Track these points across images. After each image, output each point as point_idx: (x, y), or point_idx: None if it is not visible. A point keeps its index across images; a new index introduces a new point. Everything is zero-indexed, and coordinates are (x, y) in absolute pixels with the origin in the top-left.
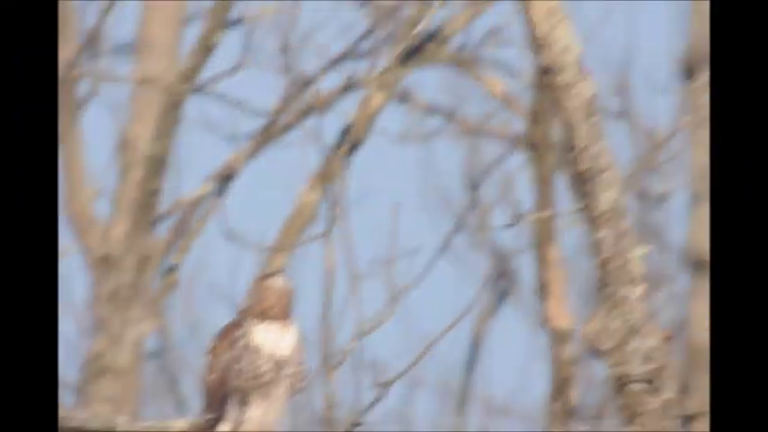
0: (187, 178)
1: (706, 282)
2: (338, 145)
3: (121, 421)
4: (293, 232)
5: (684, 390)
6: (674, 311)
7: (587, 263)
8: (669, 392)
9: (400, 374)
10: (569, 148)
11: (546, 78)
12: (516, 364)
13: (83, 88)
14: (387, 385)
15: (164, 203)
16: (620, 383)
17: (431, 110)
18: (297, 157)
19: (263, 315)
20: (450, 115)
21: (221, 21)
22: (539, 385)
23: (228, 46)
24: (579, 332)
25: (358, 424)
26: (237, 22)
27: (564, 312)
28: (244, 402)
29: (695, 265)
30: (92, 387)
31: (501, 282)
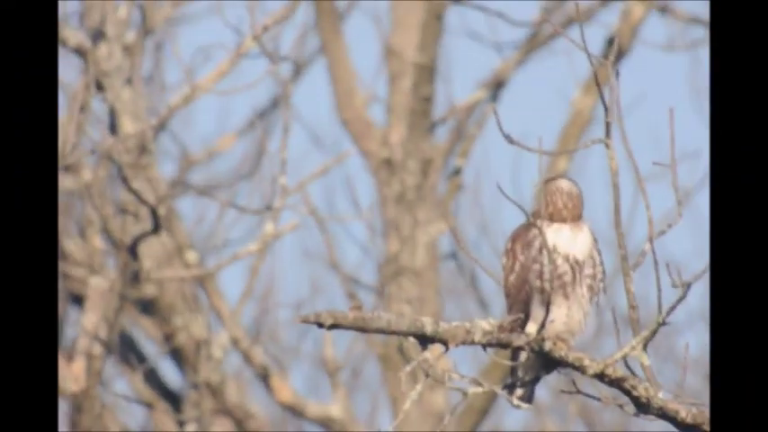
0: (458, 85)
1: None
2: (605, 54)
3: (427, 322)
4: (571, 137)
5: None
6: None
7: None
8: None
9: (701, 273)
10: None
11: None
12: None
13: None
14: (688, 284)
15: (438, 109)
16: None
17: (692, 20)
18: (564, 65)
19: (553, 217)
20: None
21: None
22: None
23: None
24: None
25: (663, 323)
26: None
27: None
28: (546, 303)
29: None
30: (391, 288)
31: None
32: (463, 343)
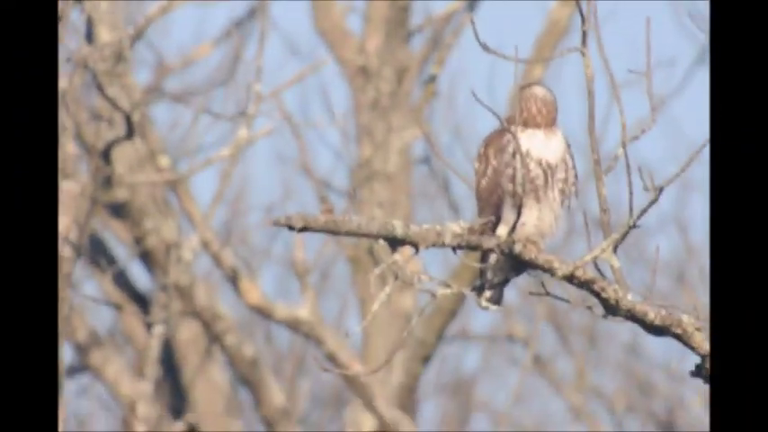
0: None
1: None
2: None
3: (398, 224)
4: (547, 46)
5: None
6: None
7: None
8: None
9: (673, 177)
10: None
11: None
12: None
13: None
14: (660, 188)
15: (414, 19)
16: None
17: None
18: None
19: (528, 123)
20: None
21: None
22: None
23: None
24: None
25: (634, 226)
26: None
27: None
28: (518, 206)
29: None
30: (363, 192)
31: None
32: (433, 245)
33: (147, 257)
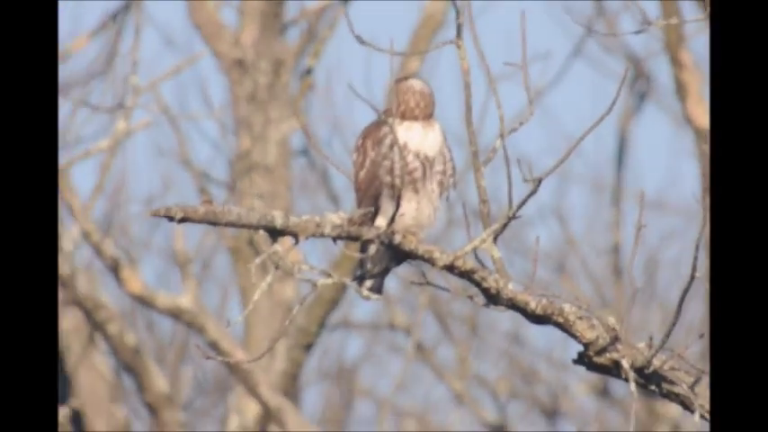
0: None
1: None
2: None
3: (278, 215)
4: (423, 39)
5: None
6: None
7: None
8: None
9: (552, 168)
10: None
11: None
12: (664, 161)
13: None
14: (539, 179)
15: (290, 12)
16: None
17: None
18: None
19: (405, 116)
20: None
21: None
22: (689, 180)
23: None
24: None
25: (513, 217)
26: None
27: (704, 111)
28: (396, 198)
29: None
30: (242, 184)
31: (639, 83)
32: (313, 236)
33: None
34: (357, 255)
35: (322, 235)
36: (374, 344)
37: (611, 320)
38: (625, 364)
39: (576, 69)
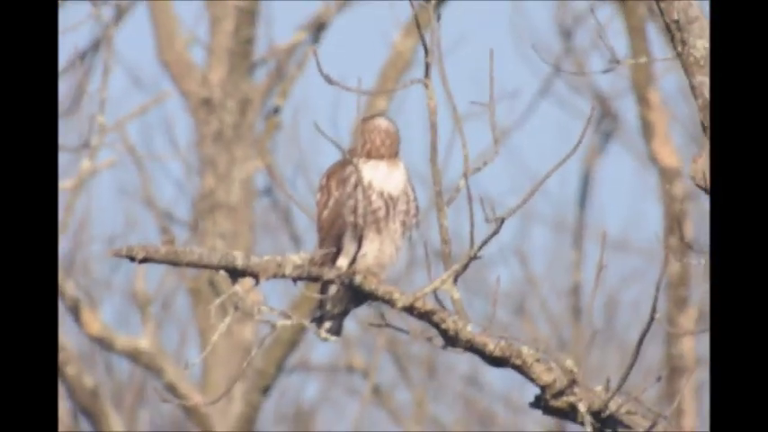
0: (279, 28)
1: None
2: None
3: (239, 255)
4: (390, 78)
5: None
6: None
7: (687, 105)
8: None
9: (514, 208)
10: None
11: None
12: (627, 201)
13: None
14: (501, 219)
15: (258, 51)
16: None
17: None
18: (386, 7)
19: (371, 154)
20: None
21: None
22: (652, 221)
23: None
24: (687, 170)
25: (475, 257)
26: None
27: (670, 150)
28: (359, 238)
29: None
30: (205, 223)
31: (605, 123)
32: (274, 276)
33: None
34: (317, 295)
35: (283, 276)
36: (332, 386)
37: (569, 363)
38: (581, 407)
39: (542, 108)
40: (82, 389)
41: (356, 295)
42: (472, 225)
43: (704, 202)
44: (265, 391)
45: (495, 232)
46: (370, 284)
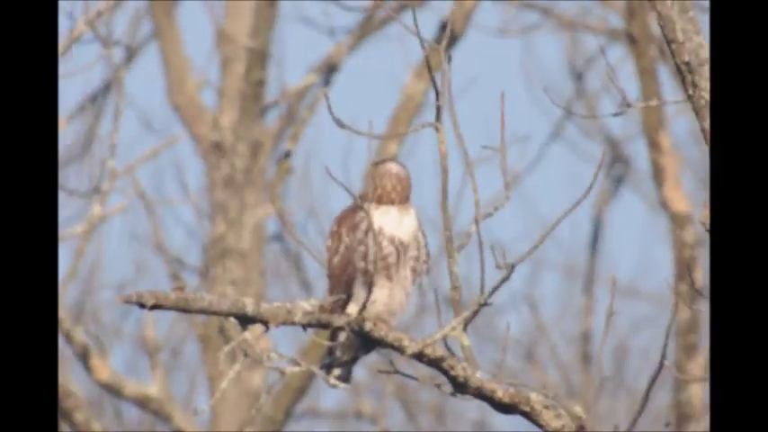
0: (290, 70)
1: None
2: (438, 39)
3: (249, 302)
4: (402, 121)
5: None
6: None
7: (698, 149)
8: None
9: (525, 255)
10: (668, 41)
11: None
12: (638, 247)
13: None
14: (512, 266)
15: (270, 94)
16: None
17: (526, 5)
18: (397, 50)
19: (382, 200)
20: (546, 10)
21: None
22: (663, 267)
23: None
24: (698, 215)
25: (485, 304)
26: None
27: (681, 196)
28: (369, 284)
29: None
30: (215, 269)
31: (616, 167)
32: (284, 323)
33: None
34: (327, 342)
35: (293, 322)
36: None
37: (578, 409)
38: None
39: (554, 152)
40: None
41: (366, 342)
42: (483, 271)
43: None
44: None
45: (506, 279)
46: (380, 331)
